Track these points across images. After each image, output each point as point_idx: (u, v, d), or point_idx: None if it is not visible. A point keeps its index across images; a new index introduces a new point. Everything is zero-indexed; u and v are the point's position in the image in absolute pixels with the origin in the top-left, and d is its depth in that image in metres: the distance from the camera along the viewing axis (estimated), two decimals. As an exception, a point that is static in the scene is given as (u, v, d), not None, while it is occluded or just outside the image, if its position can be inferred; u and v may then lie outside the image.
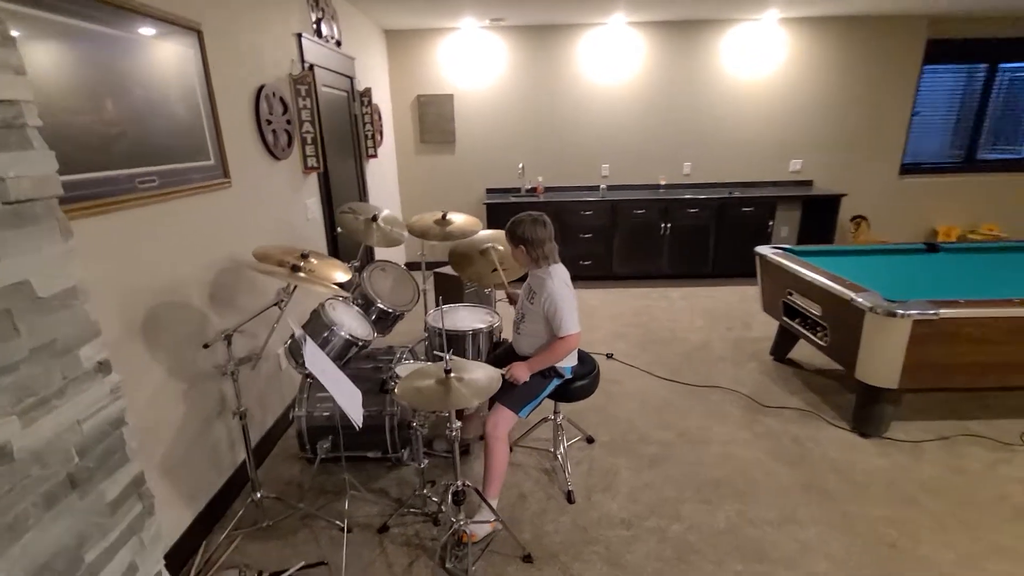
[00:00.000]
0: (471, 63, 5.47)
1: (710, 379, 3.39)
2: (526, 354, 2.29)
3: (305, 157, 3.23)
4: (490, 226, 5.28)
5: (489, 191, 5.86)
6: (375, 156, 4.71)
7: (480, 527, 2.05)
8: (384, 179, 5.18)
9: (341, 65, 3.93)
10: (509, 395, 2.17)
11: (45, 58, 1.47)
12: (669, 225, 5.42)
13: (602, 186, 5.69)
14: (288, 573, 1.90)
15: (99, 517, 0.97)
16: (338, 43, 3.91)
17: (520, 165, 5.62)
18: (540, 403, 2.26)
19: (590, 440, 2.75)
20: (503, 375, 2.12)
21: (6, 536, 0.78)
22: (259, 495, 2.14)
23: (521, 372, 2.15)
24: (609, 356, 3.76)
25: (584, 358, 2.46)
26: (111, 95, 1.69)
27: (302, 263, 2.13)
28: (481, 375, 1.80)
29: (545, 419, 2.67)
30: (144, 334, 1.83)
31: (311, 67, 3.34)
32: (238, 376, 1.96)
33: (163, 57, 1.94)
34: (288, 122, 3.00)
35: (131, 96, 1.78)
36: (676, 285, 5.41)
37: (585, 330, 4.06)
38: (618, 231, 5.46)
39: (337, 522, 2.17)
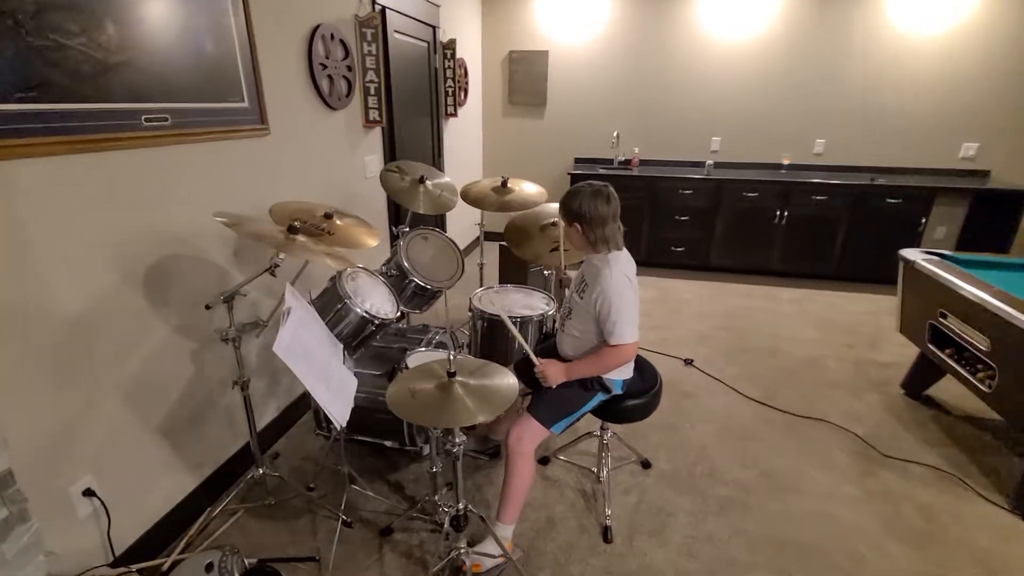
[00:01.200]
0: (571, 15, 4.92)
1: (814, 408, 2.73)
2: (568, 357, 1.88)
3: (367, 109, 2.98)
4: None
5: (578, 161, 5.35)
6: (455, 115, 4.40)
7: (486, 559, 1.71)
8: (464, 141, 4.88)
9: (422, 12, 3.61)
10: (541, 404, 1.79)
11: (23, -36, 1.28)
12: (786, 213, 4.57)
13: (709, 162, 4.93)
14: (274, 563, 1.71)
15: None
16: (420, -13, 3.58)
17: (615, 133, 5.03)
18: (578, 419, 1.84)
19: (646, 465, 2.29)
20: (535, 370, 1.75)
21: None
22: (261, 471, 1.98)
23: (555, 374, 1.75)
24: (688, 362, 3.20)
25: (645, 369, 1.99)
26: (112, 17, 1.49)
27: (324, 224, 1.87)
28: (500, 383, 1.42)
29: (590, 433, 2.25)
30: (147, 285, 1.69)
31: (383, 9, 3.06)
32: (240, 343, 1.76)
33: (188, -21, 1.73)
34: (349, 68, 2.75)
35: (140, 21, 1.57)
36: (788, 285, 4.59)
37: (665, 327, 3.53)
38: (721, 215, 4.72)
39: (340, 515, 1.95)
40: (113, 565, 1.60)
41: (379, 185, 3.12)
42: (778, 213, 4.59)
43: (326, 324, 1.81)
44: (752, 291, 4.45)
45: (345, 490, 1.97)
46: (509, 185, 2.69)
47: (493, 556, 1.68)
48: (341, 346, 1.72)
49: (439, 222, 4.32)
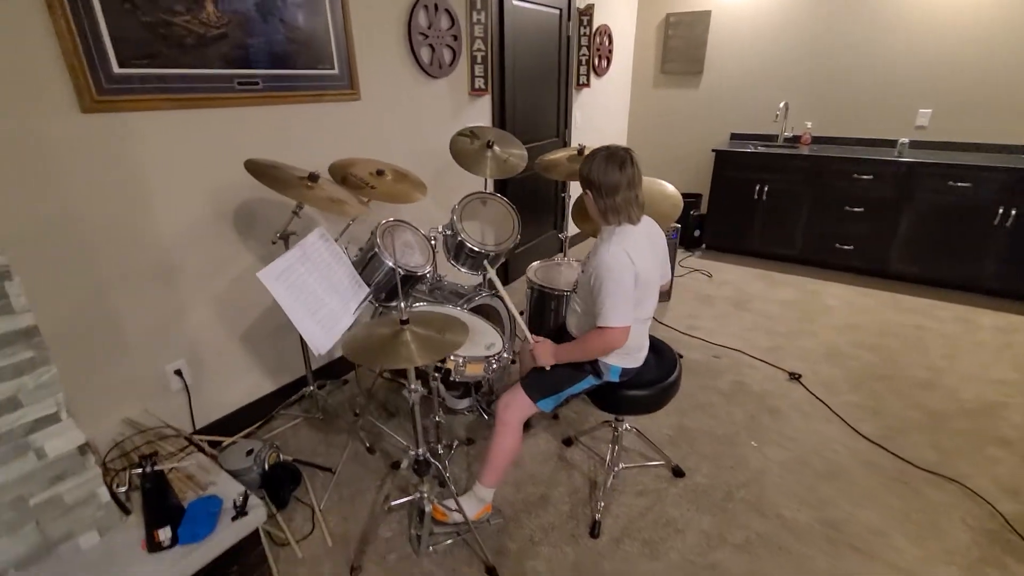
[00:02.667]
0: (741, -33, 4.30)
1: (951, 465, 2.08)
2: (572, 334, 1.77)
3: (473, 78, 3.10)
4: (714, 183, 4.32)
5: (735, 136, 4.73)
6: (587, 85, 4.26)
7: (467, 505, 1.75)
8: (601, 112, 4.70)
9: (552, -23, 3.55)
10: (533, 378, 1.73)
11: (142, -41, 1.65)
12: (1016, 212, 3.41)
13: (903, 140, 3.90)
14: (294, 462, 2.02)
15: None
16: (554, -49, 3.52)
17: (782, 104, 4.31)
18: (566, 400, 1.73)
19: (678, 472, 2.04)
20: (529, 348, 1.70)
21: None
22: (311, 388, 2.31)
23: (542, 354, 1.67)
24: (794, 377, 2.69)
25: (662, 352, 1.77)
26: (213, -3, 1.84)
27: (370, 179, 2.06)
28: (453, 338, 1.43)
29: (606, 423, 2.08)
30: (235, 220, 2.08)
31: (501, -22, 3.10)
32: (294, 277, 2.06)
33: (284, -39, 2.02)
34: (455, 38, 2.89)
35: (239, 0, 1.91)
36: (996, 308, 3.46)
37: (787, 334, 3.02)
38: (912, 209, 3.73)
39: (365, 442, 2.18)
40: (190, 435, 2.06)
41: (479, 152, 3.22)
42: (1001, 211, 3.45)
43: (363, 270, 2.01)
44: (933, 308, 3.47)
45: (373, 423, 2.19)
46: (587, 153, 2.54)
47: (459, 511, 1.71)
48: (362, 291, 1.88)
49: (556, 205, 4.28)
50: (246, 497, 1.53)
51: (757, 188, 4.21)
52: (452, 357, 1.65)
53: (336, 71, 2.31)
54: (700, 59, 4.70)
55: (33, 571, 1.30)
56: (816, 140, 4.35)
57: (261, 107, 2.07)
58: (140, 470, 1.35)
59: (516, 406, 1.72)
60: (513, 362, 2.51)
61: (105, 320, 1.78)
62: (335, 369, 2.65)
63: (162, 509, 1.39)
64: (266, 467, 1.93)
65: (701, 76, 4.76)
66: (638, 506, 1.90)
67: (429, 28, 2.73)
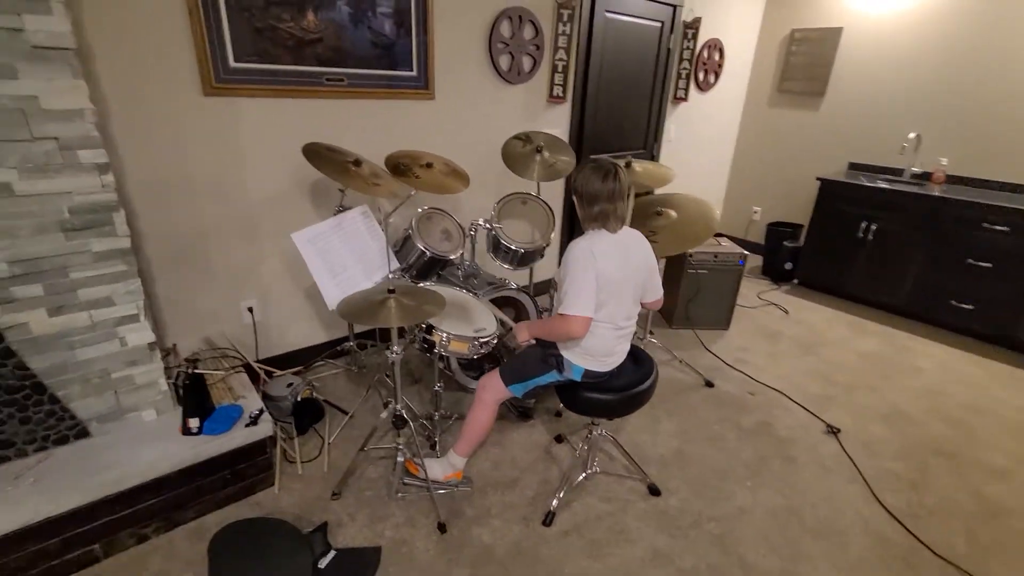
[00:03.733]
0: (882, -18, 3.89)
1: (978, 561, 1.81)
2: None
3: (552, 85, 3.26)
4: (815, 215, 3.99)
5: (853, 167, 4.30)
6: (684, 99, 4.17)
7: (431, 467, 1.96)
8: (702, 127, 4.55)
9: (654, -10, 3.57)
10: (508, 364, 1.88)
11: (262, -22, 2.09)
12: None
13: (1062, 190, 3.25)
14: (322, 401, 2.38)
15: (83, 256, 1.57)
16: (660, -35, 3.53)
17: (912, 135, 3.83)
18: (533, 388, 1.84)
19: (653, 491, 2.04)
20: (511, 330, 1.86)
21: (4, 237, 1.43)
22: (351, 344, 2.68)
23: (519, 331, 1.81)
24: (832, 431, 2.47)
25: (641, 363, 1.81)
26: (314, 7, 2.24)
27: (418, 170, 2.34)
28: (428, 308, 1.64)
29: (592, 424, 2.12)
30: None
31: (594, -9, 3.22)
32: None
33: (377, -22, 2.37)
34: (537, 47, 3.07)
35: (334, 10, 2.29)
36: None
37: (851, 388, 2.81)
38: (1052, 272, 3.13)
39: (385, 398, 2.49)
40: (247, 361, 2.54)
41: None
42: None
43: (399, 250, 2.30)
44: (1059, 392, 2.89)
45: (394, 384, 2.49)
46: (633, 166, 2.58)
47: (436, 474, 1.92)
48: (386, 264, 2.17)
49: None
50: (260, 413, 1.90)
51: (864, 226, 3.80)
52: (437, 331, 1.86)
53: (414, 73, 2.63)
54: (823, 79, 4.33)
55: (108, 427, 1.78)
56: (952, 179, 3.79)
57: (344, 100, 2.46)
58: (184, 369, 1.77)
59: (492, 387, 1.88)
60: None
61: (201, 257, 2.29)
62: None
63: (196, 404, 1.80)
64: (298, 399, 2.31)
65: (823, 98, 4.39)
66: (599, 509, 1.95)
67: (511, 38, 2.94)
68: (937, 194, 3.54)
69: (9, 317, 1.51)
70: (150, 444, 1.74)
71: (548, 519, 1.87)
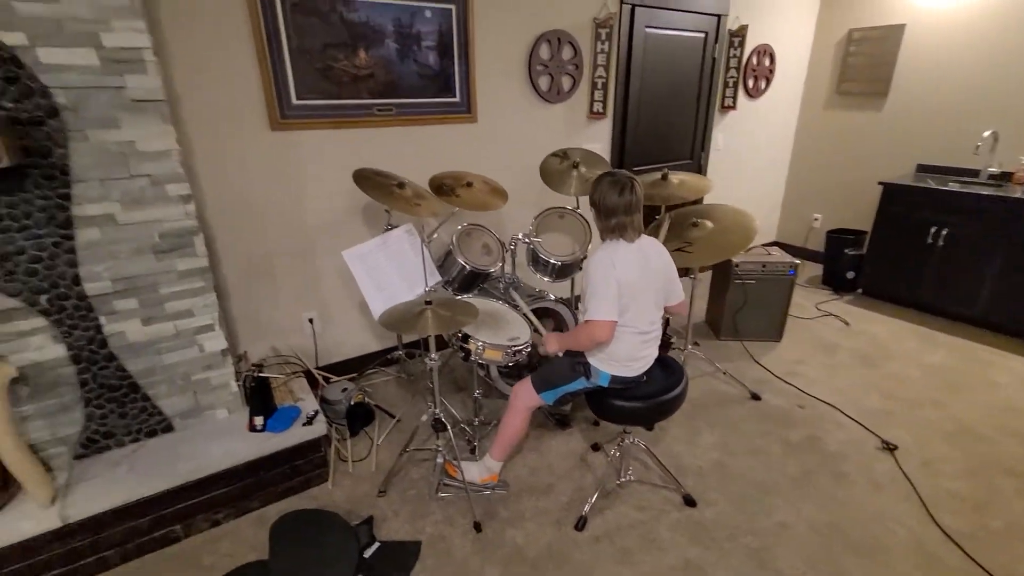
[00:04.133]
0: (947, -26, 3.68)
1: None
2: None
3: (592, 102, 3.34)
4: (878, 220, 3.80)
5: (922, 169, 4.06)
6: (733, 108, 4.12)
7: (469, 470, 2.07)
8: (753, 135, 4.44)
9: (693, 1, 3.58)
10: (540, 372, 1.97)
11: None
12: None
13: None
14: (373, 405, 2.57)
15: (169, 275, 1.84)
16: (701, -23, 3.55)
17: (987, 133, 3.57)
18: (563, 395, 1.91)
19: (689, 501, 2.04)
20: (542, 338, 1.96)
21: (108, 259, 1.71)
22: (399, 353, 2.86)
23: (550, 341, 1.90)
24: (888, 447, 2.35)
25: (672, 371, 1.85)
26: (365, 44, 2.46)
27: (459, 189, 2.50)
28: (461, 318, 1.77)
29: (624, 432, 2.14)
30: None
31: (632, 8, 3.29)
32: (394, 261, 2.62)
33: (430, 15, 2.56)
34: (575, 67, 3.18)
35: (383, 48, 2.51)
36: None
37: (914, 403, 2.70)
38: None
39: (430, 404, 2.64)
40: (307, 368, 2.77)
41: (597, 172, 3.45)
42: None
43: (442, 264, 2.46)
44: None
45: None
46: (670, 179, 2.60)
47: (473, 476, 2.03)
48: (432, 279, 2.32)
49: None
50: (315, 414, 2.09)
51: (933, 231, 3.57)
52: (473, 340, 1.98)
53: (457, 99, 2.81)
54: (886, 79, 4.13)
55: (188, 423, 2.03)
56: (1034, 178, 3.49)
57: (393, 128, 2.67)
58: (251, 373, 1.99)
59: (524, 394, 1.97)
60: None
61: (268, 274, 2.55)
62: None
63: (261, 404, 2.02)
64: (351, 403, 2.50)
65: (886, 98, 4.18)
66: (632, 517, 1.98)
67: (550, 60, 3.07)
68: (1019, 196, 3.28)
69: (112, 327, 1.79)
70: (222, 439, 1.98)
71: (580, 524, 1.93)
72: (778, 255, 3.27)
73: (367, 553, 1.81)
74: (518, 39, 2.93)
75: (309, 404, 2.19)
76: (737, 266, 3.18)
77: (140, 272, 1.79)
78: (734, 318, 3.28)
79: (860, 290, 4.11)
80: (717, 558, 1.80)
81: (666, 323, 2.58)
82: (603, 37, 3.19)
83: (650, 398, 1.80)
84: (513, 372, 2.67)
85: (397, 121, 2.66)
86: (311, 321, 2.74)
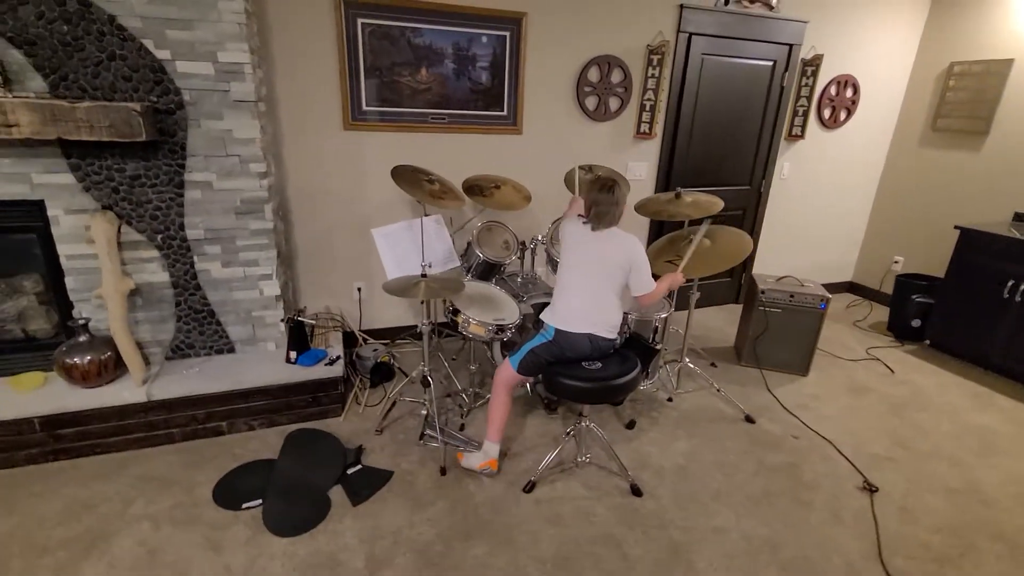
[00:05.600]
0: (1064, 6, 3.34)
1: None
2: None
3: (639, 123, 3.55)
4: (951, 268, 3.54)
5: (1018, 218, 3.68)
6: (801, 137, 4.04)
7: (470, 459, 2.29)
8: (822, 165, 4.28)
9: (761, 32, 3.63)
10: (513, 336, 2.27)
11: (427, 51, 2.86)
12: None
13: None
14: (395, 366, 3.02)
15: (244, 231, 2.42)
16: (769, 7, 3.60)
17: (1096, 183, 3.19)
18: (525, 358, 2.15)
19: (635, 491, 2.20)
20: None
21: (204, 214, 2.33)
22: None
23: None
24: (869, 488, 2.29)
25: (627, 360, 2.11)
26: (427, 64, 2.95)
27: (488, 189, 2.88)
28: (448, 288, 2.14)
29: (580, 416, 2.33)
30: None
31: (689, 36, 3.45)
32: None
33: (486, 41, 2.99)
34: (625, 89, 3.42)
35: (442, 66, 2.98)
36: None
37: (924, 455, 2.69)
38: None
39: (421, 365, 3.04)
40: (358, 333, 3.30)
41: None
42: None
43: (464, 254, 2.85)
44: None
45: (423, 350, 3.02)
46: (684, 197, 2.75)
47: (473, 464, 2.34)
48: (448, 261, 2.71)
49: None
50: (337, 359, 2.58)
51: (1011, 284, 3.25)
52: (462, 314, 2.33)
53: (504, 113, 3.20)
54: (987, 117, 3.80)
55: (246, 349, 2.62)
56: None
57: (444, 134, 3.13)
58: (291, 316, 2.53)
59: (501, 370, 2.27)
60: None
61: (328, 246, 3.12)
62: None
63: (297, 343, 2.55)
64: (377, 361, 2.97)
65: (986, 138, 3.84)
66: (577, 492, 2.19)
67: (598, 82, 3.34)
68: None
69: (201, 265, 2.42)
70: (267, 364, 2.53)
71: (529, 487, 2.18)
72: (812, 287, 3.21)
73: (350, 471, 2.24)
74: (568, 62, 3.25)
75: (336, 352, 2.68)
76: (763, 292, 3.19)
77: (224, 226, 2.40)
78: (754, 344, 3.28)
79: (927, 341, 3.80)
80: (637, 539, 1.96)
81: (653, 332, 2.75)
82: (654, 63, 3.39)
83: (597, 380, 2.02)
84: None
85: (448, 128, 3.12)
86: (359, 289, 3.28)
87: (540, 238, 2.99)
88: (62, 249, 2.22)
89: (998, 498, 2.27)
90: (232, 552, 1.83)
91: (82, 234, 2.21)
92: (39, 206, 2.15)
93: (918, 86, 4.23)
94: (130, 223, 2.27)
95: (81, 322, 2.24)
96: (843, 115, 4.17)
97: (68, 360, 2.20)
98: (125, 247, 2.30)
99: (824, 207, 4.47)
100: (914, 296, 3.84)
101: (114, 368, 2.31)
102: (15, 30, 1.94)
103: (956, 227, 3.54)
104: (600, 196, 2.03)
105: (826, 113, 4.09)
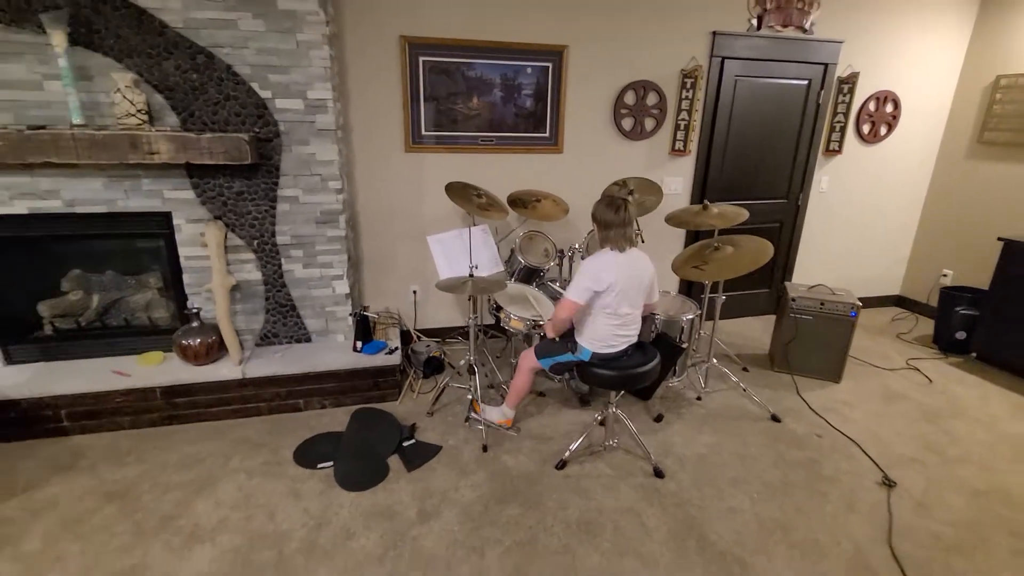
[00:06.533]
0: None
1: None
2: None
3: (674, 140, 3.79)
4: (996, 279, 3.55)
5: (1073, 229, 3.62)
6: (838, 152, 4.13)
7: (490, 412, 2.71)
8: (863, 179, 4.33)
9: (795, 53, 3.80)
10: (540, 344, 2.56)
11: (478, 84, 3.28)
12: None
13: None
14: (446, 361, 3.38)
15: (322, 238, 2.87)
16: (803, 29, 3.78)
17: None
18: (555, 363, 2.44)
19: (658, 473, 2.42)
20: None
21: (291, 223, 2.80)
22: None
23: (548, 328, 2.48)
24: (888, 483, 2.40)
25: (646, 353, 2.35)
26: (478, 93, 3.35)
27: (530, 202, 3.21)
28: (491, 285, 2.48)
29: (610, 403, 2.57)
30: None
31: (722, 60, 3.69)
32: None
33: (531, 71, 3.36)
34: (660, 110, 3.69)
35: (491, 95, 3.37)
36: None
37: (953, 460, 2.75)
38: None
39: (468, 355, 3.37)
40: (413, 331, 3.69)
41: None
42: None
43: (508, 259, 3.19)
44: None
45: (470, 342, 3.35)
46: (711, 208, 2.97)
47: (492, 417, 2.69)
48: (493, 266, 3.05)
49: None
50: (395, 350, 2.96)
51: (1057, 296, 3.22)
52: (504, 311, 2.65)
53: (547, 134, 3.55)
54: (1036, 128, 3.77)
55: (319, 339, 3.05)
56: None
57: (492, 154, 3.50)
58: (358, 312, 2.94)
59: (527, 358, 2.56)
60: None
61: (390, 253, 3.55)
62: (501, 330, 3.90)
63: (362, 334, 2.95)
64: (430, 355, 3.34)
65: (1035, 149, 3.80)
66: (603, 471, 2.43)
67: (634, 104, 3.63)
68: None
69: (287, 266, 2.88)
70: (336, 352, 2.95)
71: (560, 465, 2.45)
72: (843, 294, 3.31)
73: (405, 444, 2.59)
74: (606, 88, 3.56)
75: (394, 343, 3.07)
76: (794, 300, 3.32)
77: (306, 233, 2.85)
78: (785, 350, 3.40)
79: (974, 354, 3.76)
80: (656, 512, 2.18)
81: (680, 332, 2.96)
82: (688, 85, 3.65)
83: (622, 369, 2.28)
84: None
85: (496, 149, 3.49)
86: (415, 292, 3.68)
87: (577, 247, 3.28)
88: (182, 251, 2.74)
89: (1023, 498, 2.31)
90: (310, 499, 2.21)
91: (198, 239, 2.72)
92: (167, 217, 2.68)
93: (964, 99, 4.23)
94: (234, 230, 2.76)
95: (194, 311, 2.73)
96: (883, 130, 4.23)
97: (183, 342, 2.69)
98: (229, 250, 2.79)
99: (867, 220, 4.50)
100: (958, 308, 3.81)
101: (217, 350, 2.79)
102: (159, 79, 2.48)
103: (1000, 239, 3.54)
104: (614, 217, 2.19)
105: (865, 128, 4.17)
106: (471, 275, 2.54)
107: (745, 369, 3.52)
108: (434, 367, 3.32)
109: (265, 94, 2.61)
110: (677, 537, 2.06)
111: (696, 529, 2.11)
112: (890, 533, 2.10)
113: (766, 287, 4.47)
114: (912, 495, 2.33)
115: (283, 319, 2.98)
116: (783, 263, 4.42)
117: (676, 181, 3.93)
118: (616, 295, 2.22)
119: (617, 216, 2.23)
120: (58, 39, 2.27)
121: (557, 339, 2.49)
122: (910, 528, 2.13)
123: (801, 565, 1.94)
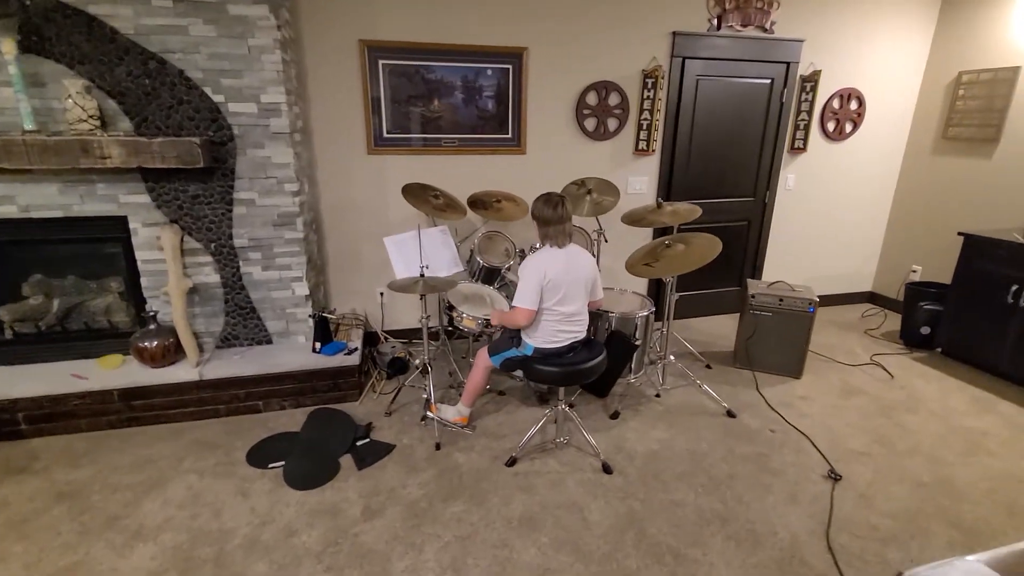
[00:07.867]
0: (1064, 13, 3.36)
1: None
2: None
3: (638, 140, 3.83)
4: (957, 275, 3.58)
5: (1034, 224, 3.65)
6: (803, 150, 4.17)
7: (446, 411, 2.73)
8: (830, 175, 4.36)
9: (757, 52, 3.83)
10: (494, 340, 2.59)
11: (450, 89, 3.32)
12: None
13: None
14: (409, 360, 3.40)
15: (279, 241, 2.90)
16: (763, 29, 3.81)
17: (1105, 188, 3.17)
18: (505, 359, 2.48)
19: (606, 469, 2.45)
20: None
21: (248, 226, 2.83)
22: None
23: (493, 317, 2.51)
24: (833, 476, 2.43)
25: (592, 349, 2.36)
26: (439, 95, 3.38)
27: (492, 203, 3.24)
28: (443, 283, 2.51)
29: (559, 400, 2.60)
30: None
31: (683, 60, 3.72)
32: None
33: (491, 73, 3.40)
34: (622, 110, 3.72)
35: (452, 97, 3.40)
36: None
37: (901, 453, 2.77)
38: None
39: (422, 355, 3.40)
40: (380, 332, 3.72)
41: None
42: None
43: (469, 259, 3.22)
44: None
45: (423, 342, 3.37)
46: (664, 207, 3.00)
47: (447, 415, 2.71)
48: (452, 266, 3.08)
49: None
50: (354, 350, 2.99)
51: (1014, 290, 3.24)
52: (456, 310, 2.68)
53: (509, 135, 3.58)
54: (997, 124, 3.81)
55: (280, 341, 3.08)
56: None
57: (456, 156, 3.54)
58: (316, 313, 2.97)
59: (482, 356, 2.60)
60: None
61: (355, 255, 3.58)
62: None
63: (321, 335, 2.98)
64: (394, 356, 3.38)
65: (996, 145, 3.84)
66: (552, 467, 2.46)
67: (596, 105, 3.66)
68: None
69: (245, 268, 2.91)
70: (296, 353, 2.98)
71: (510, 462, 2.47)
72: (802, 290, 3.34)
73: (359, 443, 2.61)
74: (567, 88, 3.59)
75: (355, 345, 3.10)
76: (753, 297, 3.35)
77: (264, 236, 2.89)
78: (746, 347, 3.42)
79: (939, 348, 3.78)
80: (598, 507, 2.21)
81: (634, 329, 2.99)
82: (650, 85, 3.68)
83: (565, 366, 2.30)
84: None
85: (460, 151, 3.53)
86: (381, 294, 3.71)
87: (537, 246, 3.30)
88: (139, 255, 2.77)
89: (967, 492, 2.33)
90: (257, 498, 2.24)
91: (154, 243, 2.75)
92: (123, 221, 2.71)
93: (928, 96, 4.27)
94: (190, 234, 2.80)
95: (151, 314, 2.76)
96: (849, 127, 4.26)
97: (140, 344, 2.72)
98: (187, 253, 2.82)
99: (836, 217, 4.53)
100: (923, 303, 3.84)
101: (175, 352, 2.82)
102: (111, 85, 2.52)
103: (960, 233, 3.57)
104: (552, 214, 2.25)
105: (830, 126, 4.21)
106: (422, 275, 2.56)
107: (708, 366, 3.55)
108: (398, 368, 3.35)
109: (218, 98, 2.64)
110: (616, 530, 2.09)
111: (637, 523, 2.13)
112: (829, 524, 2.12)
113: (736, 285, 4.49)
114: (856, 487, 2.35)
115: (243, 321, 3.01)
116: (752, 261, 4.45)
117: (641, 180, 3.96)
118: (556, 290, 2.25)
119: (555, 213, 2.26)
120: (7, 47, 2.30)
121: (504, 334, 2.51)
122: (849, 519, 2.16)
123: (735, 555, 1.97)
